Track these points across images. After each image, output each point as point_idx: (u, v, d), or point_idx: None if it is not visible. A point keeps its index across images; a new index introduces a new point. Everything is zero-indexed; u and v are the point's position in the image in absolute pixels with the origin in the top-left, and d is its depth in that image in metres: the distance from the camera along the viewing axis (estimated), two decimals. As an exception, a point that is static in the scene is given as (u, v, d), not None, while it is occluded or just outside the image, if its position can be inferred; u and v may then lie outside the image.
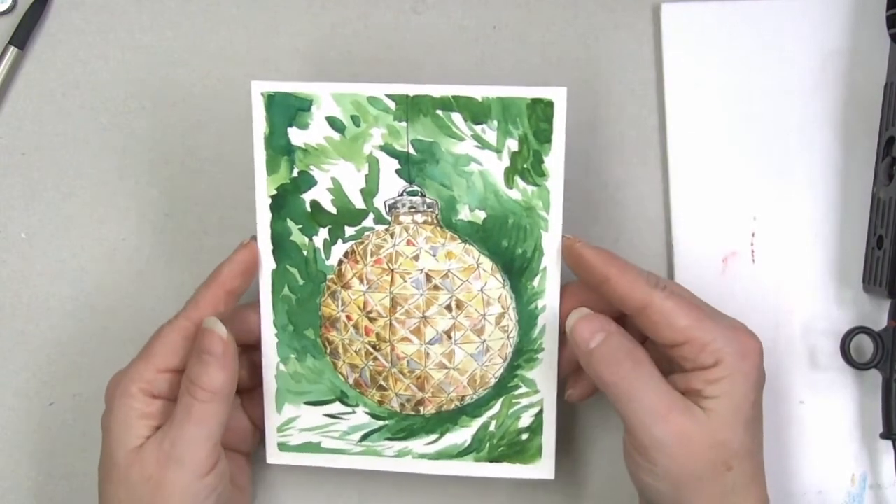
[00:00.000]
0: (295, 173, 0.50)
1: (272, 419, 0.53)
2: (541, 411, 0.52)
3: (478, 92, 0.48)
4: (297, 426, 0.53)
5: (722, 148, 0.57)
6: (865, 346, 0.55)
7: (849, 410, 0.56)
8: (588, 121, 0.57)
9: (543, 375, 0.52)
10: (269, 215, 0.50)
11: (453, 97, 0.48)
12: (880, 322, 0.55)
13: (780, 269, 0.57)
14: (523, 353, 0.52)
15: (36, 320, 0.57)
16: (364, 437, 0.53)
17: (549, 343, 0.51)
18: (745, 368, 0.47)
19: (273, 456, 0.53)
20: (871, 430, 0.56)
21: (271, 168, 0.50)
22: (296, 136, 0.49)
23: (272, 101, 0.49)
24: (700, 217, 0.57)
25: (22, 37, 0.56)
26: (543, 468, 0.53)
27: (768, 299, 0.57)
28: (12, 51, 0.56)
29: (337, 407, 0.53)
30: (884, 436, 0.54)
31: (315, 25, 0.57)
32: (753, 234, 0.57)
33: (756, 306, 0.56)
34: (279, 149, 0.49)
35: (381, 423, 0.53)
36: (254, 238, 0.51)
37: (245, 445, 0.54)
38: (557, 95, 0.48)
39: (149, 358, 0.49)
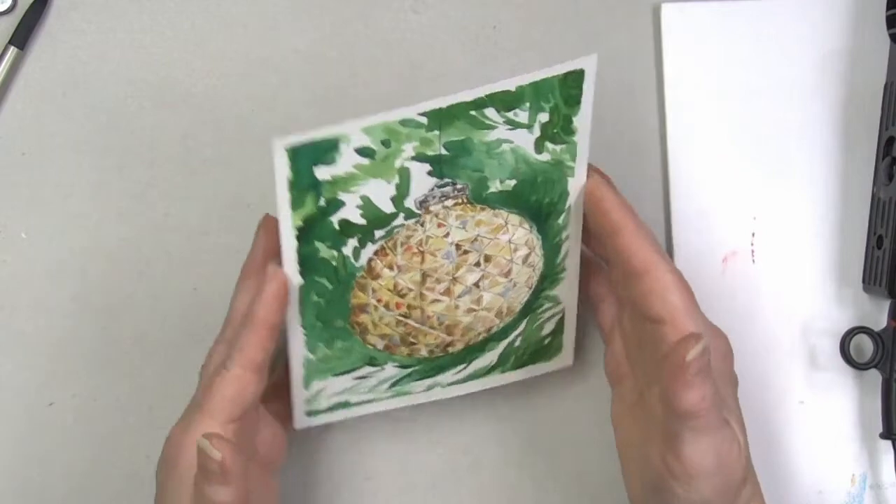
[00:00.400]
0: (322, 203, 0.45)
1: (299, 395, 0.51)
2: (563, 317, 0.52)
3: (512, 84, 0.45)
4: (325, 393, 0.51)
5: (722, 148, 0.57)
6: (865, 346, 0.55)
7: (849, 410, 0.56)
8: (588, 121, 0.57)
9: (566, 288, 0.52)
10: (294, 244, 0.46)
11: (487, 96, 0.45)
12: (880, 322, 0.55)
13: (780, 269, 0.57)
14: (548, 277, 0.51)
15: (36, 320, 0.57)
16: (393, 385, 0.52)
17: (572, 262, 0.51)
18: (725, 369, 0.47)
19: (300, 422, 0.51)
20: (871, 430, 0.56)
21: (297, 205, 0.45)
22: (322, 171, 0.44)
23: (297, 153, 0.44)
24: (700, 217, 0.57)
25: (22, 37, 0.56)
26: (564, 358, 0.54)
27: (768, 299, 0.57)
28: (12, 51, 0.56)
29: (365, 370, 0.51)
30: (884, 436, 0.54)
31: (315, 25, 0.57)
32: (753, 234, 0.57)
33: (756, 306, 0.56)
34: (304, 187, 0.45)
35: (409, 370, 0.51)
36: (278, 263, 0.47)
37: (275, 459, 0.50)
38: (588, 63, 0.46)
39: (210, 413, 0.46)
